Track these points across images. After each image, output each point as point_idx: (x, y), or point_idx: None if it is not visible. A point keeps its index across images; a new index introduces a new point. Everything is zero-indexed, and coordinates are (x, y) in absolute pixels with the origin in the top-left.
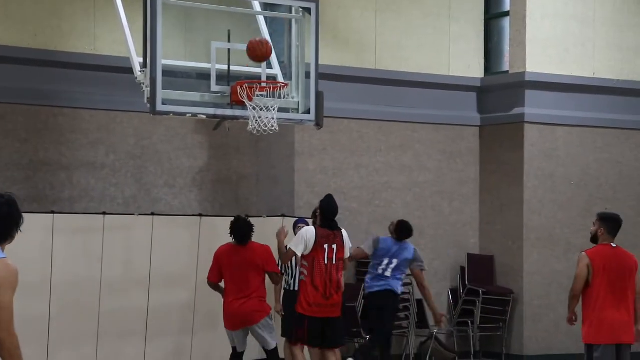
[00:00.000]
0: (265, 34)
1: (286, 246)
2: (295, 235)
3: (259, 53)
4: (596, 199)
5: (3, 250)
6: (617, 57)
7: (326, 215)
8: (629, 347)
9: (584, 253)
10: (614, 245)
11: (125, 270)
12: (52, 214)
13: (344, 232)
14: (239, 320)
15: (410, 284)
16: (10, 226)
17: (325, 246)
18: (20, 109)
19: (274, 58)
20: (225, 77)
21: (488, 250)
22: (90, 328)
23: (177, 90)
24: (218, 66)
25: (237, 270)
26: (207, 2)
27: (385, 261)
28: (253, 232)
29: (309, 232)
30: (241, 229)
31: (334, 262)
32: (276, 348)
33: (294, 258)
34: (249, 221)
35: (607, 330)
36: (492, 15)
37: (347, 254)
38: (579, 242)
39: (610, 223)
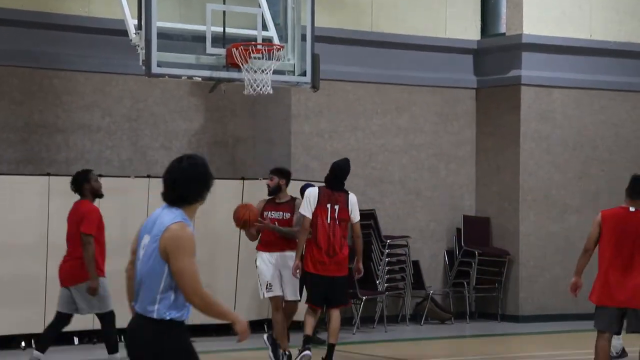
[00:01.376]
0: None
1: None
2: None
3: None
4: (592, 161)
5: (193, 213)
6: (614, 19)
7: (334, 174)
8: (635, 312)
9: (600, 213)
10: (632, 209)
11: (122, 233)
12: (47, 176)
13: (351, 195)
14: None
15: (406, 245)
16: (202, 188)
17: (328, 206)
18: (15, 71)
19: (269, 20)
20: (220, 40)
21: (484, 212)
22: None
23: (172, 53)
24: (213, 28)
25: None
26: None
27: None
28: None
29: (311, 193)
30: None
31: (337, 222)
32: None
33: None
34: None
35: (607, 292)
36: None
37: (353, 218)
38: (574, 203)
39: (631, 185)
